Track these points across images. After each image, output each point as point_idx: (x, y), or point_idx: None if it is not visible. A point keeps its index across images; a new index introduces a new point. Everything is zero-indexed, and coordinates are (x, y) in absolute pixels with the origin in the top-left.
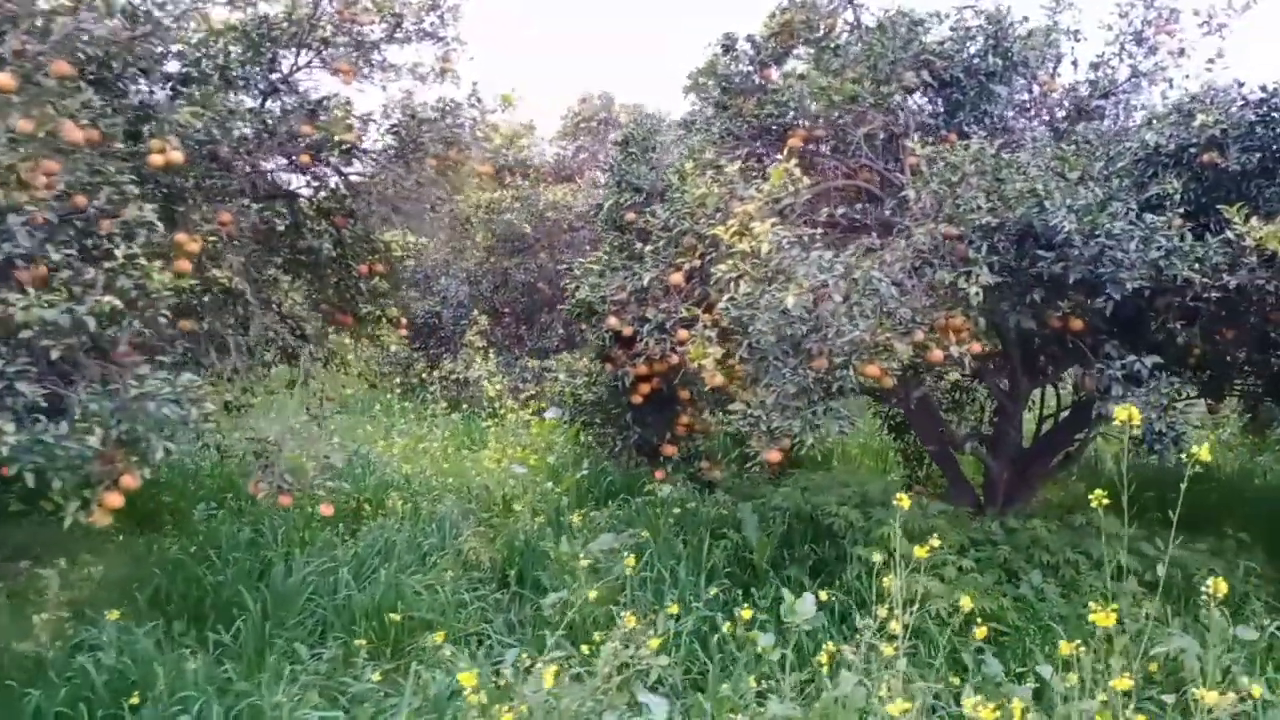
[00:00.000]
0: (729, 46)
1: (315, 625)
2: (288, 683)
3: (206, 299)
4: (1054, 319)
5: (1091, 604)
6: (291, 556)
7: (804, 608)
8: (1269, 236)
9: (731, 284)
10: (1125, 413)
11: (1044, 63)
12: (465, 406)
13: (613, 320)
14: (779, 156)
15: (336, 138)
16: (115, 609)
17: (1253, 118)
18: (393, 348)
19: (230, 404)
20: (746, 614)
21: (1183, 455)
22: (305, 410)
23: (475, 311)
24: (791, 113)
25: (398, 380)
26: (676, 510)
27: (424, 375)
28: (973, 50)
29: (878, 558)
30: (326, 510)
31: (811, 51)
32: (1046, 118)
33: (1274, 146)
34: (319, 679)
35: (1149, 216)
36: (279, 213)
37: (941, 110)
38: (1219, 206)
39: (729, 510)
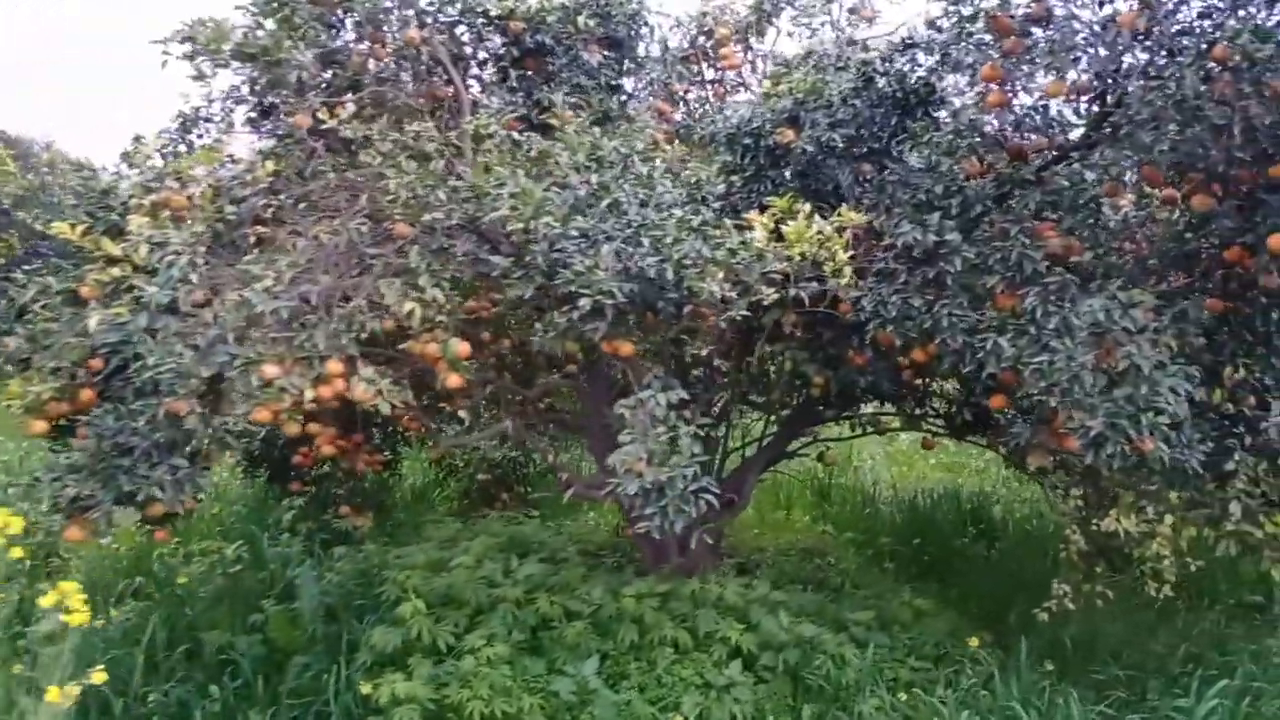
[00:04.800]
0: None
1: None
2: None
3: None
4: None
5: None
6: None
7: None
8: (796, 236)
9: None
10: None
11: (744, 33)
12: None
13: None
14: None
15: None
16: None
17: (850, 85)
18: None
19: None
20: None
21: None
22: None
23: None
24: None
25: None
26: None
27: None
28: (559, 11)
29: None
30: None
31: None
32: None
33: (875, 122)
34: None
35: (673, 213)
36: None
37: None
38: (767, 199)
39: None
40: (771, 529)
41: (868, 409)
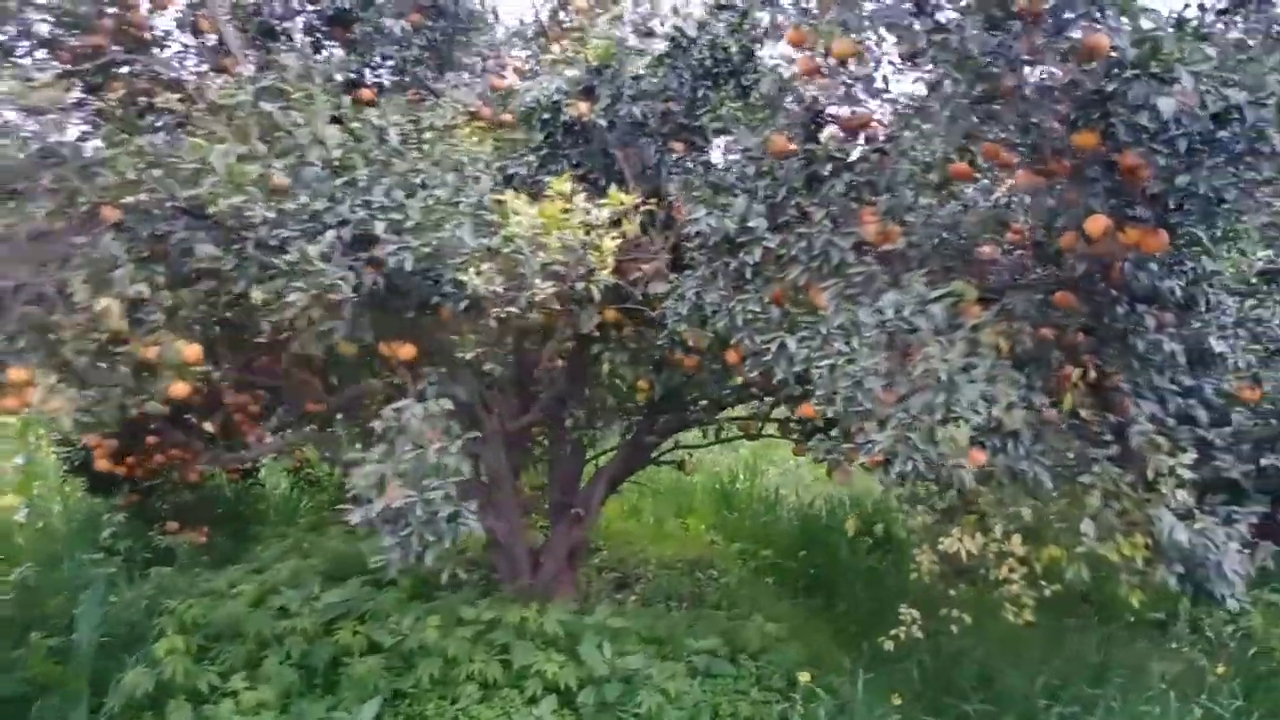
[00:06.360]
0: None
1: None
2: None
3: None
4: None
5: None
6: None
7: None
8: (552, 222)
9: None
10: None
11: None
12: None
13: None
14: None
15: None
16: None
17: (659, 53)
18: None
19: None
20: None
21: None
22: None
23: None
24: None
25: None
26: None
27: None
28: None
29: None
30: None
31: None
32: None
33: (685, 94)
34: None
35: (435, 194)
36: None
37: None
38: (547, 179)
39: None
40: (663, 540)
41: (737, 413)
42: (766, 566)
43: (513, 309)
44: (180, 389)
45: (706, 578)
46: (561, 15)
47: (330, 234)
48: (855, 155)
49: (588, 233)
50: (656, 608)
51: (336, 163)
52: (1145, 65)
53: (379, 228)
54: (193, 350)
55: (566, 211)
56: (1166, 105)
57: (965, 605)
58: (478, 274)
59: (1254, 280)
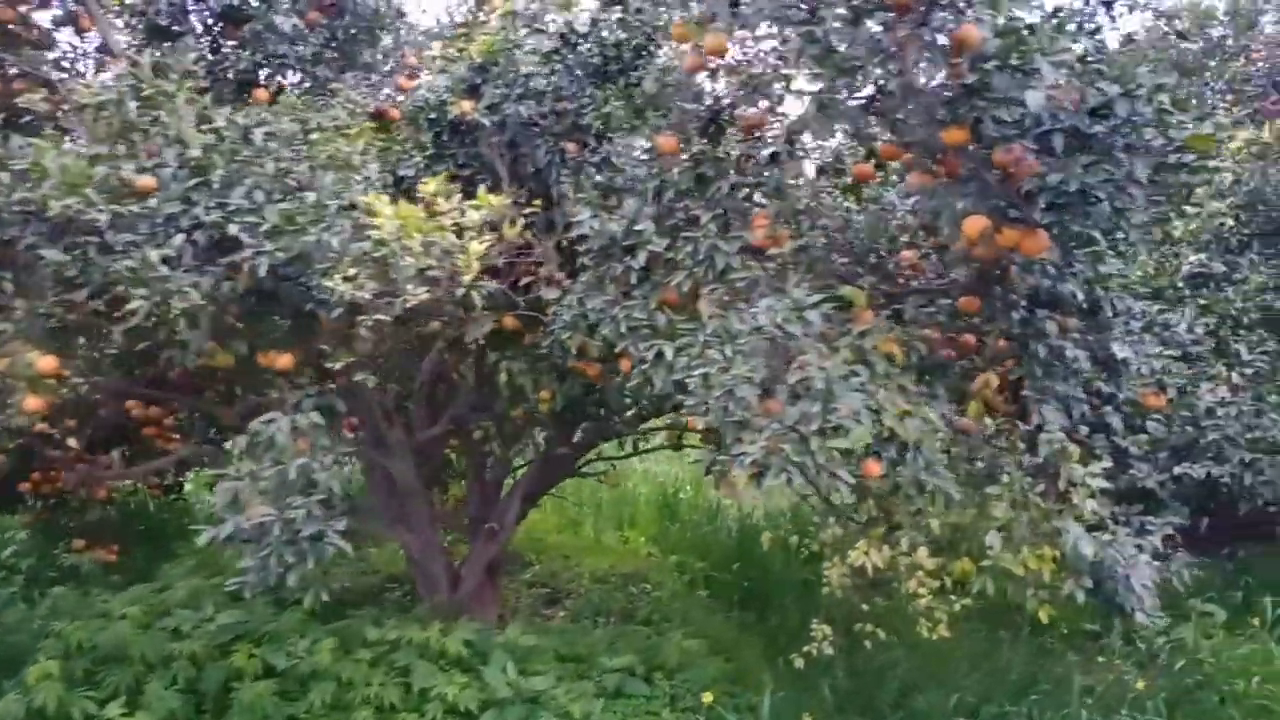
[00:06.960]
0: None
1: None
2: None
3: None
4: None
5: None
6: None
7: None
8: (411, 224)
9: None
10: None
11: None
12: None
13: None
14: None
15: None
16: None
17: (548, 49)
18: None
19: None
20: None
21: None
22: None
23: None
24: None
25: None
26: None
27: None
28: None
29: None
30: None
31: None
32: None
33: (575, 89)
34: None
35: (305, 197)
36: None
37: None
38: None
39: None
40: (600, 553)
41: (661, 422)
42: (702, 579)
43: (383, 316)
44: (34, 403)
45: (640, 591)
46: (480, 15)
47: (179, 238)
48: (748, 156)
49: (460, 235)
50: (582, 624)
51: (194, 163)
52: (1006, 57)
53: (233, 230)
54: (47, 362)
55: (434, 214)
56: (1034, 99)
57: (886, 620)
58: (345, 279)
59: (1180, 284)
